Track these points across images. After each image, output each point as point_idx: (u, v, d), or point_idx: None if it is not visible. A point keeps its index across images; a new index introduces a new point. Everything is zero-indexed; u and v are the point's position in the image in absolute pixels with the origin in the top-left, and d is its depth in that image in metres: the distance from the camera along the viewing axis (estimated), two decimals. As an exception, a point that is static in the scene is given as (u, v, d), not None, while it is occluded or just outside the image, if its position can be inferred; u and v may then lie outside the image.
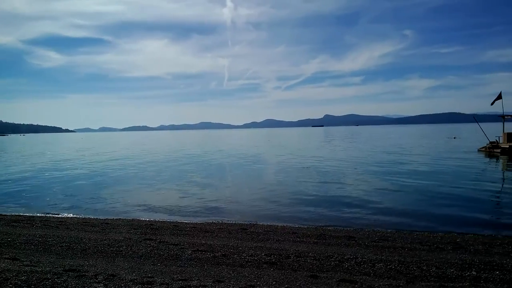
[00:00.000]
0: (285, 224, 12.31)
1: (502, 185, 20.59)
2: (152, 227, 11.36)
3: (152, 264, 7.36)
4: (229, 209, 15.18)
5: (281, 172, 27.12)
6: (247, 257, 7.70)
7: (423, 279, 6.35)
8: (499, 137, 37.81)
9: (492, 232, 11.17)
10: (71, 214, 14.52)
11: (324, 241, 9.63)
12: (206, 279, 6.21)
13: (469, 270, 6.84)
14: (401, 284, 5.88)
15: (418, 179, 21.90)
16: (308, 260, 7.50)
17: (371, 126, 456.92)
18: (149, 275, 6.48)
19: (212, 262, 7.45)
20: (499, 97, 36.06)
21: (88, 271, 6.52)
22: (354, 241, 9.57)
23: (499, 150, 35.39)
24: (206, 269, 6.92)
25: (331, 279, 6.12)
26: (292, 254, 7.95)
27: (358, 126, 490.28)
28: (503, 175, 24.58)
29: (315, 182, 21.58)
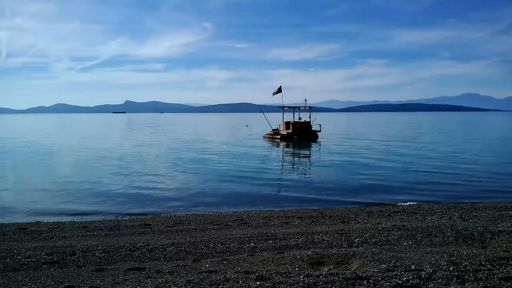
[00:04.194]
0: (75, 219, 11.34)
1: (282, 165, 24.04)
2: None
3: None
4: (5, 206, 12.99)
5: (72, 163, 24.89)
6: (23, 260, 6.72)
7: (209, 255, 6.81)
8: (279, 125, 43.97)
9: (272, 207, 12.88)
10: None
11: (117, 232, 9.27)
12: (-38, 294, 5.15)
13: (248, 242, 7.69)
14: (188, 264, 6.15)
15: (214, 163, 23.48)
16: (97, 254, 7.08)
17: (175, 114, 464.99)
18: None
19: (-26, 272, 6.22)
20: (279, 90, 41.81)
21: None
22: (149, 229, 9.54)
23: (279, 137, 41.23)
24: (-36, 281, 5.72)
25: (119, 270, 5.93)
26: (78, 250, 7.36)
27: (163, 114, 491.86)
28: (282, 158, 28.73)
29: (112, 171, 20.56)
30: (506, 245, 6.73)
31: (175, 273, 5.59)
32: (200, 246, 7.49)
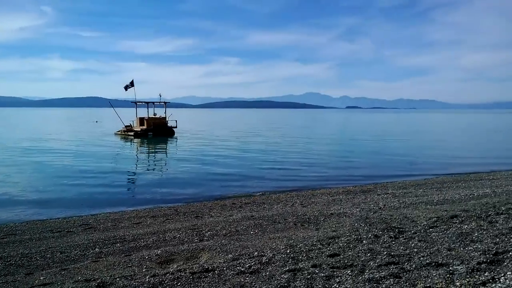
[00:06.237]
0: None
1: (136, 164, 23.06)
2: None
3: None
4: None
5: None
6: None
7: (45, 267, 6.11)
8: (133, 121, 42.04)
9: (123, 208, 12.21)
10: None
11: None
12: None
13: (93, 248, 7.15)
14: (18, 279, 5.40)
15: (56, 165, 21.19)
16: None
17: (7, 109, 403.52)
18: None
19: None
20: (132, 84, 39.91)
21: None
22: (-31, 243, 8.09)
23: (132, 133, 39.41)
24: None
25: None
26: None
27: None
28: (136, 156, 27.57)
29: None
30: (335, 226, 7.70)
31: (-1, 292, 4.85)
32: (35, 258, 6.67)
